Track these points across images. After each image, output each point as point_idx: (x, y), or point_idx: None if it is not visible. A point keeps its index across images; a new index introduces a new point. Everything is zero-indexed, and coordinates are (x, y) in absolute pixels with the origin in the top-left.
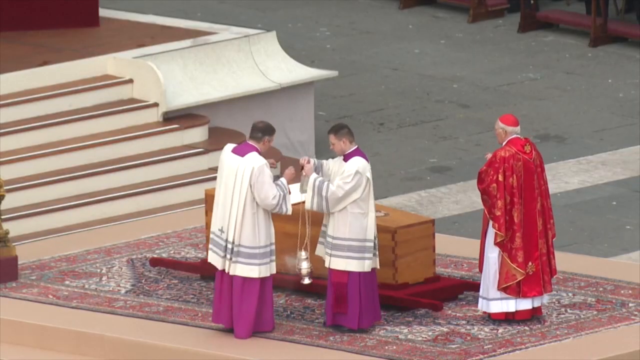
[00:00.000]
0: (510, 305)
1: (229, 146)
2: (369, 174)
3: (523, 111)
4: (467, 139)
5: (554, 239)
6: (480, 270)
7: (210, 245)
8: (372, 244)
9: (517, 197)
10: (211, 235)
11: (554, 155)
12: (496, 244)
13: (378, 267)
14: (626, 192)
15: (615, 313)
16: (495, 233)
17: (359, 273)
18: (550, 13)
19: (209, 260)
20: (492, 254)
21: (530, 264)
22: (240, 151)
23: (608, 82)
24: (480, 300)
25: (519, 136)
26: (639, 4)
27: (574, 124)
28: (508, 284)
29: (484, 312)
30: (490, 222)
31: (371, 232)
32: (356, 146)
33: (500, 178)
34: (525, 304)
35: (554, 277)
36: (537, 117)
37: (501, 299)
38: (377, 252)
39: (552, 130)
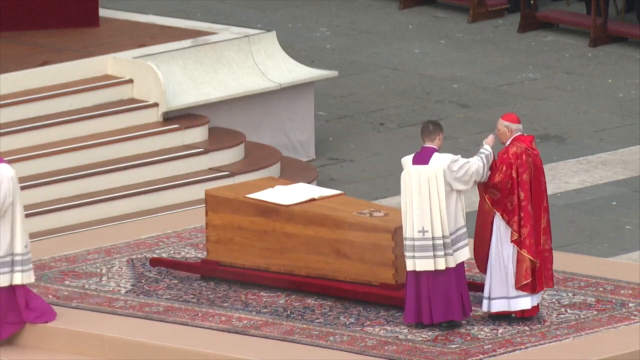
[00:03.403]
0: (527, 302)
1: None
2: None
3: (523, 111)
4: (467, 139)
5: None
6: (482, 270)
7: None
8: (409, 243)
9: (530, 192)
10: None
11: (554, 155)
12: (513, 241)
13: (432, 268)
14: (626, 192)
15: (615, 313)
16: (512, 231)
17: (408, 272)
18: (550, 13)
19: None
20: (507, 251)
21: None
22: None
23: (608, 82)
24: (498, 301)
25: (522, 133)
26: (639, 4)
27: (574, 124)
28: (527, 281)
29: (501, 312)
30: (505, 219)
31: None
32: (423, 145)
33: (514, 174)
34: (535, 300)
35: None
36: (537, 117)
37: (520, 296)
38: (438, 252)
39: (552, 130)
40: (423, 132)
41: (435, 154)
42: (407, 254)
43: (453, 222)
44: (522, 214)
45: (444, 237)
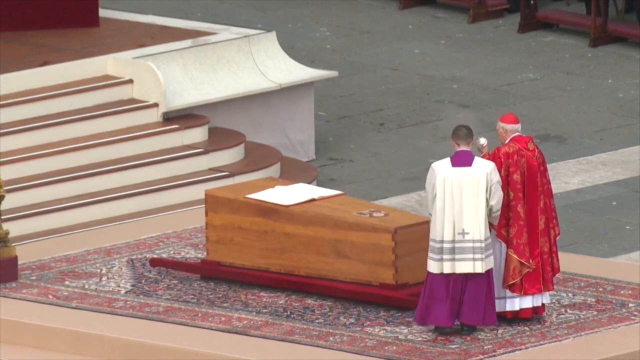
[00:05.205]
0: (516, 303)
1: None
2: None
3: (523, 111)
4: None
5: (557, 237)
6: None
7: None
8: (447, 246)
9: (521, 193)
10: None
11: (554, 155)
12: (498, 236)
13: (443, 271)
14: (626, 192)
15: (615, 313)
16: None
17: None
18: (550, 13)
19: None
20: (499, 250)
21: (530, 261)
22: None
23: (608, 82)
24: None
25: (521, 134)
26: (639, 4)
27: (574, 124)
28: (514, 281)
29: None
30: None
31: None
32: (458, 149)
33: (503, 174)
34: (527, 302)
35: (556, 275)
36: (537, 117)
37: (509, 297)
38: (446, 257)
39: (552, 130)
40: (457, 136)
41: (476, 158)
42: (444, 256)
43: (485, 227)
44: (510, 214)
45: (482, 240)
